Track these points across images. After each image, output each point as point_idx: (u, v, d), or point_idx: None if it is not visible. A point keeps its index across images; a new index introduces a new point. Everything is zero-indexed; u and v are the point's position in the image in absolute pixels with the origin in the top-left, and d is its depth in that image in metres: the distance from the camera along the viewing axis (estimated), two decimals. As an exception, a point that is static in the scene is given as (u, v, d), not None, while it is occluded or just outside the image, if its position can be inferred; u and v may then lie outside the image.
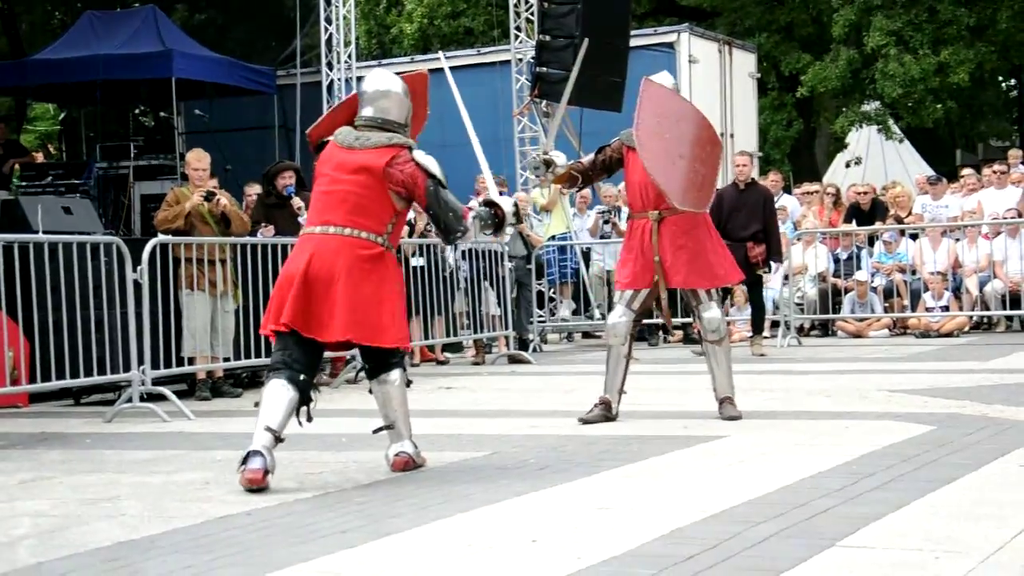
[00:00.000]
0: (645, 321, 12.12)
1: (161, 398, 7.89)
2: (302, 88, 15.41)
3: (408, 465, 5.28)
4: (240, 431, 6.99)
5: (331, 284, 5.07)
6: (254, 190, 10.64)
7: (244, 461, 4.92)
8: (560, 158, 6.81)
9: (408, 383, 5.39)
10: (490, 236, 5.70)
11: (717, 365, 6.75)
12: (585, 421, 6.65)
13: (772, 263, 11.46)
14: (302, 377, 5.10)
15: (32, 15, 19.24)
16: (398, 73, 5.63)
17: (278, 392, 5.05)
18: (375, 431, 5.40)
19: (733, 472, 5.05)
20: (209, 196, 8.83)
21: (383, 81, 5.42)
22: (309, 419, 5.16)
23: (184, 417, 7.59)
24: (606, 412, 6.73)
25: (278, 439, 5.00)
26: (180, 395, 8.22)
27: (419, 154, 5.24)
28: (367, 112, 5.34)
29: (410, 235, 10.67)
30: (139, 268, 7.94)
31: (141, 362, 7.88)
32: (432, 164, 5.24)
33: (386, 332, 5.15)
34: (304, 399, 5.12)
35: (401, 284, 5.33)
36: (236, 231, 9.05)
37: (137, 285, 7.93)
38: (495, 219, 5.43)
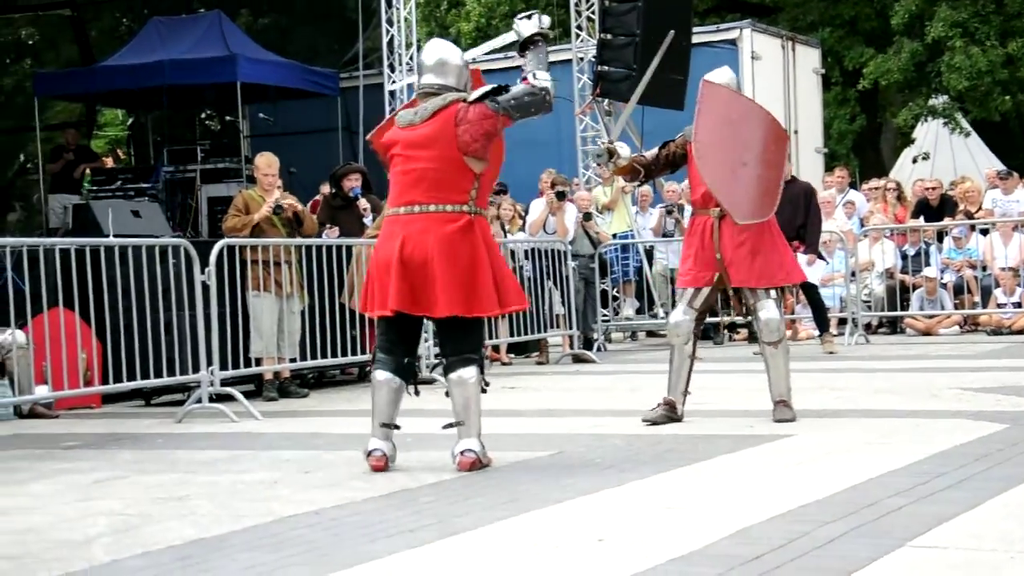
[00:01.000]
0: (709, 319, 12.06)
1: (229, 399, 7.99)
2: (365, 90, 15.46)
3: (475, 465, 5.30)
4: (307, 431, 7.08)
5: (426, 263, 5.21)
6: (328, 189, 10.75)
7: (369, 453, 5.40)
8: (624, 149, 6.82)
9: (485, 385, 5.42)
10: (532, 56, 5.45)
11: (774, 367, 6.65)
12: (649, 421, 6.62)
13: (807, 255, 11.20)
14: (405, 360, 5.43)
15: (100, 22, 19.56)
16: None
17: (384, 387, 5.41)
18: (445, 427, 5.49)
19: (800, 471, 5.01)
20: (278, 210, 8.91)
21: (441, 50, 5.53)
22: (417, 393, 5.51)
23: (252, 417, 7.68)
24: (670, 413, 6.67)
25: (394, 427, 5.44)
26: (248, 395, 8.31)
27: (470, 95, 5.31)
28: (426, 79, 5.44)
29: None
30: (207, 270, 8.05)
31: (210, 363, 7.98)
32: (479, 91, 5.28)
33: (487, 301, 5.27)
34: (409, 377, 5.45)
35: (494, 246, 5.41)
36: (307, 232, 9.15)
37: (205, 287, 8.04)
38: (536, 44, 5.37)
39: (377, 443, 5.42)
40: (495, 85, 5.36)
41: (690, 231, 6.85)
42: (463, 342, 5.35)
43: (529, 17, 5.45)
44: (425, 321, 5.59)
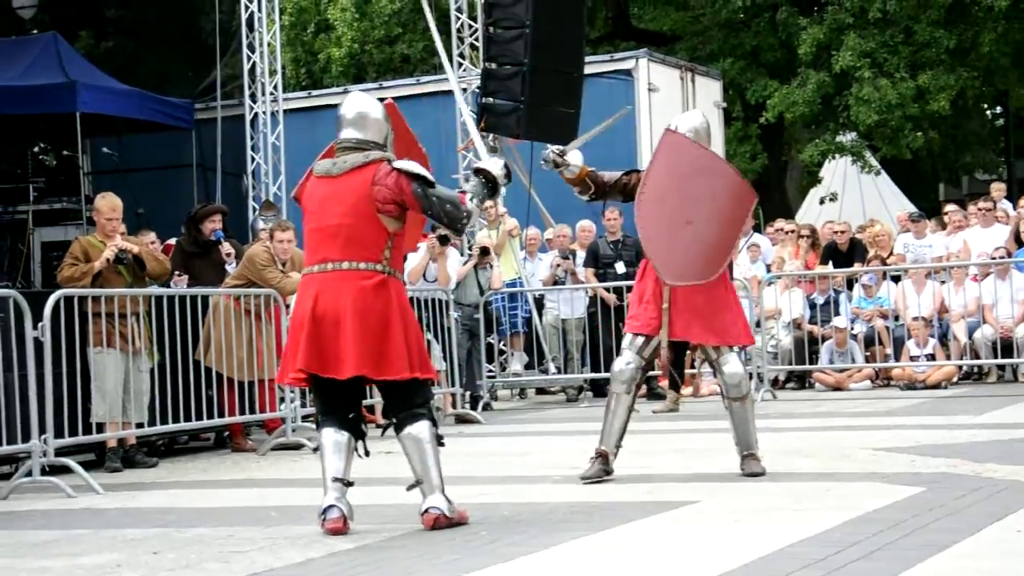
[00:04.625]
0: (604, 375, 12.16)
1: (66, 470, 7.78)
2: (223, 122, 15.38)
3: (439, 522, 5.51)
4: (156, 506, 6.93)
5: (338, 321, 5.50)
6: (148, 238, 10.47)
7: (324, 513, 5.51)
8: (576, 157, 6.95)
9: (440, 439, 5.64)
10: (488, 203, 6.14)
11: (740, 421, 6.87)
12: (587, 479, 6.76)
13: None
14: (350, 415, 5.64)
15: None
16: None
17: (332, 441, 5.60)
18: (408, 488, 5.65)
19: (704, 542, 5.06)
20: (120, 258, 8.73)
21: (360, 104, 5.86)
22: (366, 453, 5.70)
23: (92, 491, 7.48)
24: (605, 466, 6.86)
25: (347, 484, 5.56)
26: (87, 466, 8.12)
27: (398, 162, 5.66)
28: (345, 133, 5.76)
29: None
30: (40, 325, 7.85)
31: (43, 430, 7.76)
32: (413, 166, 5.65)
33: (397, 364, 5.51)
34: (356, 435, 5.66)
35: (409, 310, 5.70)
36: (152, 274, 8.95)
37: (38, 343, 7.83)
38: (488, 185, 5.88)
39: (332, 500, 5.52)
40: (425, 173, 5.66)
41: (641, 275, 7.01)
42: (410, 397, 5.60)
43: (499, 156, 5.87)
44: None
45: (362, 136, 5.72)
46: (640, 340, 6.89)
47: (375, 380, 5.64)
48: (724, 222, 6.84)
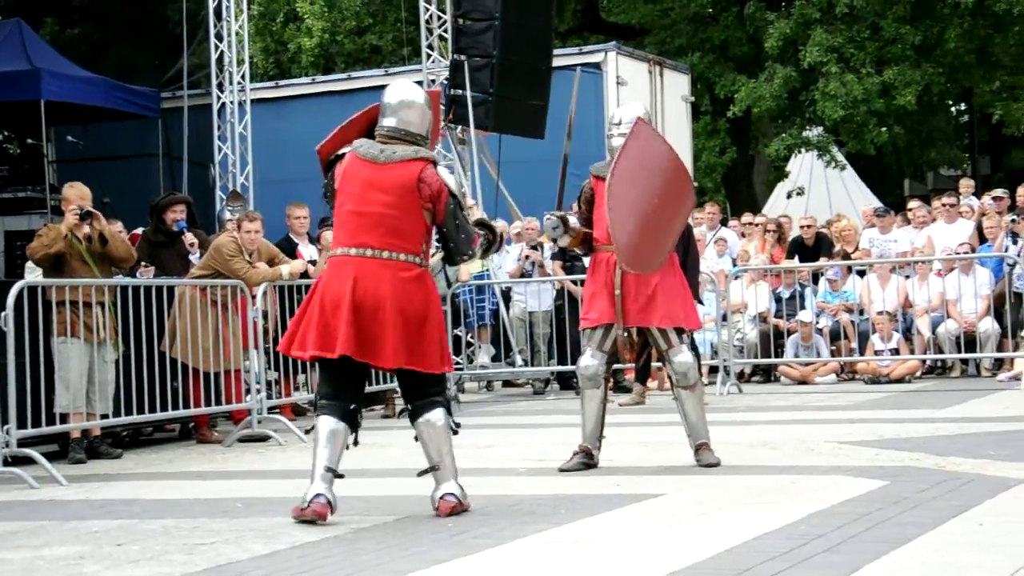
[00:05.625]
0: (572, 368, 12.17)
1: (28, 461, 7.71)
2: (190, 112, 15.26)
3: (455, 509, 5.64)
4: (120, 497, 6.89)
5: (377, 310, 5.55)
6: (115, 227, 10.38)
7: (309, 499, 5.50)
8: (573, 219, 7.00)
9: (456, 427, 5.77)
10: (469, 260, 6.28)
11: (691, 411, 7.00)
12: (566, 470, 6.85)
13: None
14: (351, 407, 5.67)
15: None
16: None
17: (328, 430, 5.61)
18: (420, 474, 5.75)
19: (670, 534, 5.08)
20: (85, 215, 8.64)
21: (406, 91, 5.89)
22: (355, 443, 5.74)
23: (55, 483, 7.43)
24: (587, 460, 6.96)
25: (337, 476, 5.58)
26: (50, 457, 8.05)
27: (442, 169, 5.79)
28: (389, 122, 5.78)
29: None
30: (3, 314, 7.79)
31: (5, 421, 7.69)
32: (452, 181, 5.78)
33: (431, 357, 5.66)
34: (353, 426, 5.69)
35: (439, 304, 5.83)
36: (115, 253, 8.84)
37: (1, 333, 7.77)
38: (489, 242, 6.03)
39: (320, 487, 5.52)
40: (458, 193, 5.83)
41: (593, 269, 7.10)
42: (429, 386, 5.71)
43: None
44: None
45: (409, 128, 5.76)
46: (599, 333, 6.99)
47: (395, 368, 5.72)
48: (673, 215, 6.96)
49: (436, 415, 5.69)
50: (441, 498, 5.66)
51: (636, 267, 6.79)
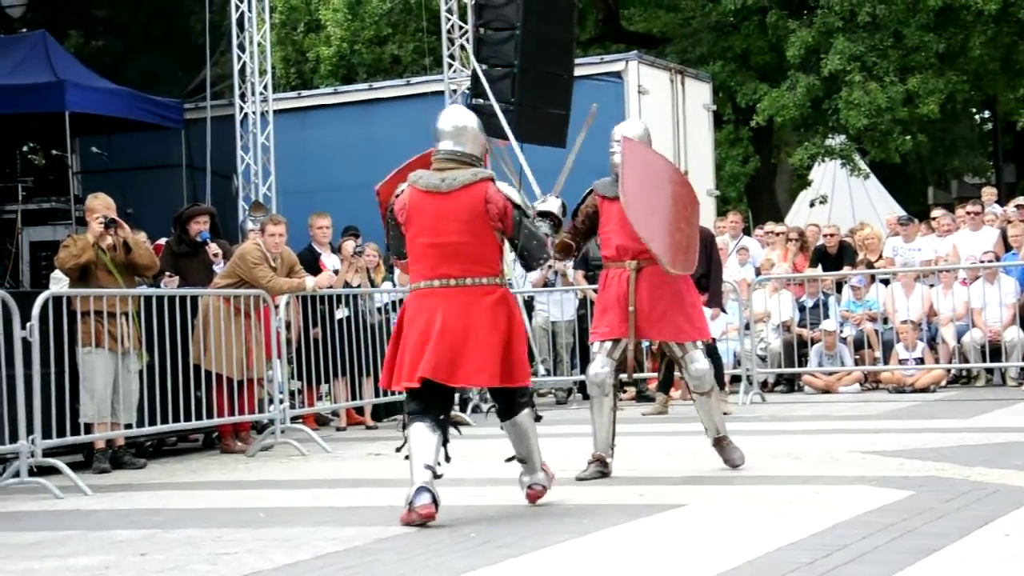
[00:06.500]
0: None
1: (53, 471, 7.75)
2: (212, 122, 15.32)
3: (540, 495, 6.16)
4: (144, 507, 6.92)
5: (467, 335, 5.84)
6: (138, 237, 10.42)
7: (410, 501, 5.64)
8: (555, 205, 6.93)
9: (538, 418, 6.21)
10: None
11: (706, 413, 7.25)
12: (581, 479, 6.96)
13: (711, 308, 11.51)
14: (441, 417, 5.91)
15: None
16: None
17: (424, 434, 5.83)
18: (507, 460, 6.24)
19: (693, 545, 5.07)
20: (109, 223, 8.68)
21: (459, 116, 6.18)
22: (448, 459, 5.96)
23: (80, 493, 7.46)
24: (602, 468, 7.07)
25: (436, 476, 5.75)
26: (75, 467, 8.09)
27: (501, 184, 6.01)
28: (445, 146, 6.03)
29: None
30: (29, 325, 7.82)
31: (30, 431, 7.73)
32: (514, 193, 6.02)
33: (520, 372, 6.02)
34: (446, 432, 5.94)
35: (520, 318, 6.17)
36: (139, 260, 8.88)
37: (26, 344, 7.81)
38: (553, 226, 6.37)
39: (422, 483, 5.67)
40: (520, 202, 6.03)
41: (604, 285, 7.25)
42: (516, 396, 6.10)
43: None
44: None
45: (463, 149, 5.98)
46: (608, 344, 7.16)
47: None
48: (687, 221, 7.15)
49: (522, 416, 6.10)
50: (530, 487, 6.15)
51: (680, 268, 6.98)
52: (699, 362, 7.15)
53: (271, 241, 9.84)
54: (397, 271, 11.10)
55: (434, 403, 5.89)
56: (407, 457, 5.86)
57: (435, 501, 5.64)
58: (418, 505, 5.62)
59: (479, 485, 7.08)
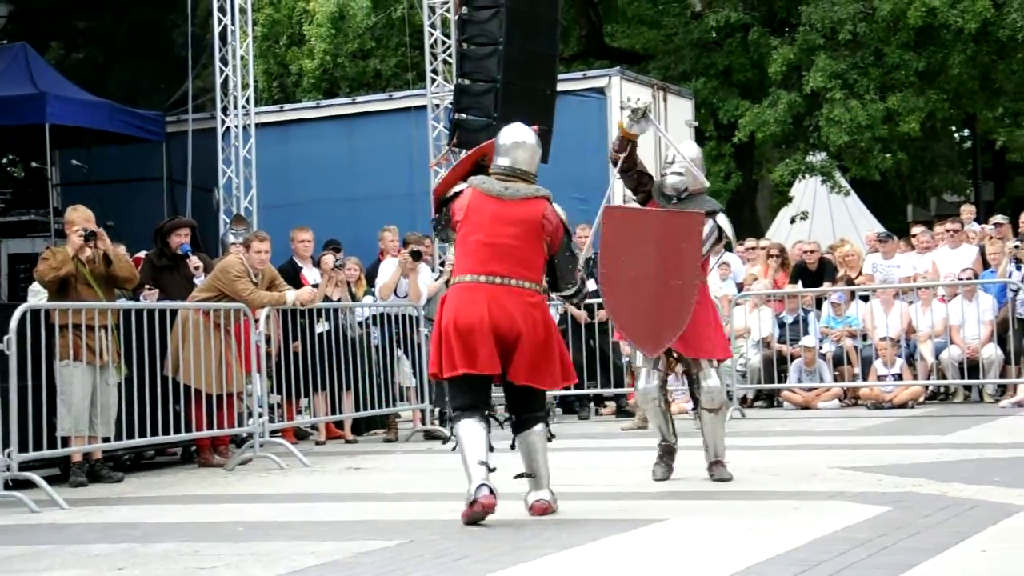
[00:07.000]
0: (574, 392, 12.19)
1: (30, 485, 7.71)
2: (194, 135, 15.31)
3: (546, 511, 6.25)
4: (121, 521, 6.88)
5: (513, 332, 6.14)
6: (119, 250, 10.38)
7: (473, 498, 5.92)
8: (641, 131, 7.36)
9: (550, 437, 6.39)
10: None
11: (711, 431, 7.40)
12: (658, 478, 7.40)
13: None
14: (487, 413, 6.23)
15: None
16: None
17: (476, 430, 6.14)
18: (516, 476, 6.29)
19: (672, 560, 5.07)
20: (89, 235, 8.66)
21: (519, 133, 6.51)
22: (490, 449, 6.14)
23: (56, 507, 7.43)
24: (670, 460, 7.50)
25: (490, 470, 6.00)
26: (52, 481, 8.05)
27: (557, 206, 6.36)
28: (504, 162, 6.41)
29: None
30: (6, 338, 7.79)
31: (6, 444, 7.69)
32: (565, 216, 6.40)
33: (551, 376, 6.30)
34: (489, 428, 6.20)
35: (557, 327, 6.48)
36: (119, 273, 8.86)
37: (3, 356, 7.78)
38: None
39: (481, 479, 5.94)
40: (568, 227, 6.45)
41: None
42: (534, 402, 6.35)
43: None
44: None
45: (524, 167, 6.37)
46: (651, 359, 7.42)
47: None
48: (679, 273, 7.14)
49: (536, 430, 6.30)
50: (535, 502, 6.25)
51: (654, 350, 7.21)
52: (712, 379, 7.39)
53: (256, 258, 9.82)
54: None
55: (480, 398, 6.21)
56: (454, 449, 6.18)
57: (494, 492, 5.91)
58: (482, 496, 5.89)
59: (457, 499, 7.03)
